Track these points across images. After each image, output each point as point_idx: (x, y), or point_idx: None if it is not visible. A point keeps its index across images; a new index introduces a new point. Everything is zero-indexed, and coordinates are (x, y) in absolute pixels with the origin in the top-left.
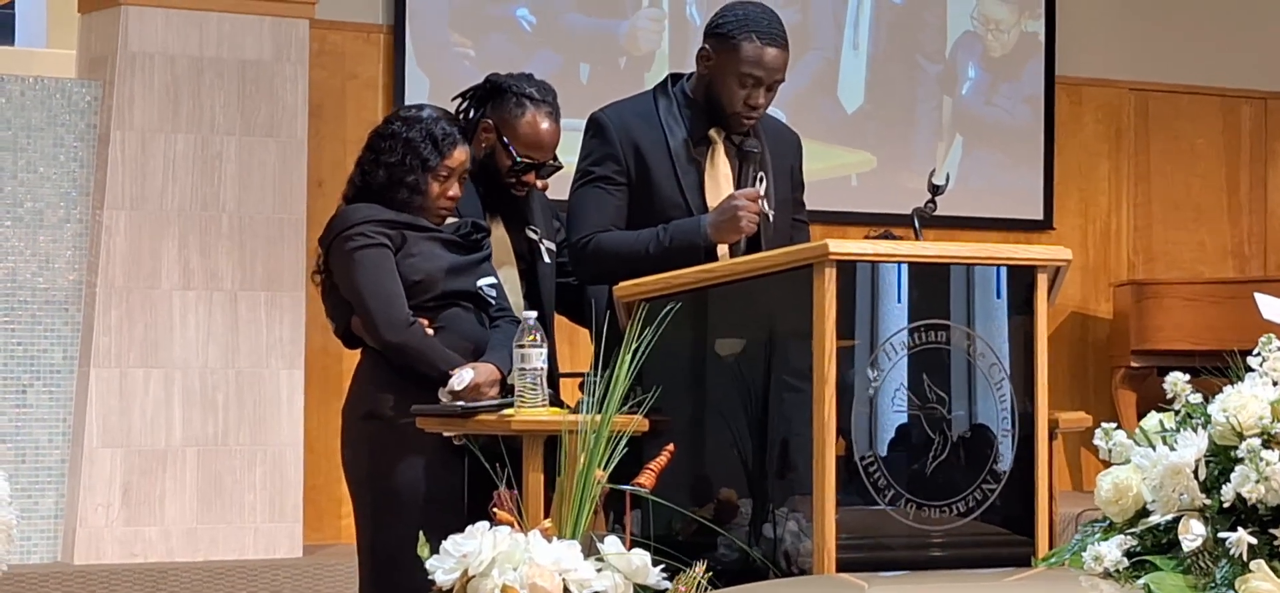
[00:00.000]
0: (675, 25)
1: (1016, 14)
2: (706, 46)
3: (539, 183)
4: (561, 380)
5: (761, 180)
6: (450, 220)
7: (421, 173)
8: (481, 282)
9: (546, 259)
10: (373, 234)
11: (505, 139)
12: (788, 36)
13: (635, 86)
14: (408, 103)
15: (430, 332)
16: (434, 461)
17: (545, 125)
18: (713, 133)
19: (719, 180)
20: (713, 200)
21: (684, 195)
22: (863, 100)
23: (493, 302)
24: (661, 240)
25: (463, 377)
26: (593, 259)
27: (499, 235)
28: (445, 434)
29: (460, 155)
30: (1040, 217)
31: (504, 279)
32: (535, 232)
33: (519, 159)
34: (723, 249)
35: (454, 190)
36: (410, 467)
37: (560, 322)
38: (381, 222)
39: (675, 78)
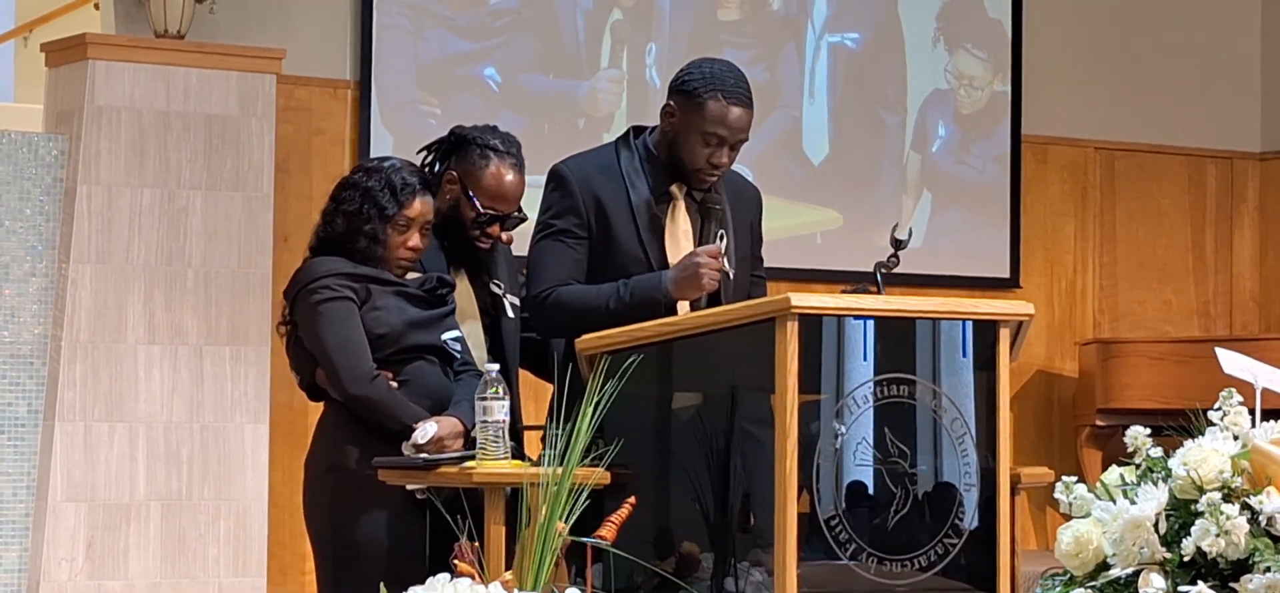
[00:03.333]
0: (634, 87)
1: (991, 73)
2: (671, 103)
3: (504, 236)
4: (524, 433)
5: (722, 237)
6: (414, 275)
7: (379, 222)
8: (446, 336)
9: (510, 313)
10: (337, 287)
11: (469, 191)
12: (753, 95)
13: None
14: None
15: (394, 385)
16: (396, 514)
17: (509, 177)
18: (674, 188)
19: (679, 236)
20: (673, 256)
21: (645, 250)
22: (827, 152)
23: (457, 356)
24: (622, 296)
25: (426, 430)
26: (552, 312)
27: (463, 289)
28: (408, 487)
29: (420, 206)
30: (1006, 275)
31: (468, 333)
32: (499, 285)
33: (483, 211)
34: (683, 306)
35: (414, 241)
36: (372, 520)
37: (525, 376)
38: (346, 275)
39: (638, 130)
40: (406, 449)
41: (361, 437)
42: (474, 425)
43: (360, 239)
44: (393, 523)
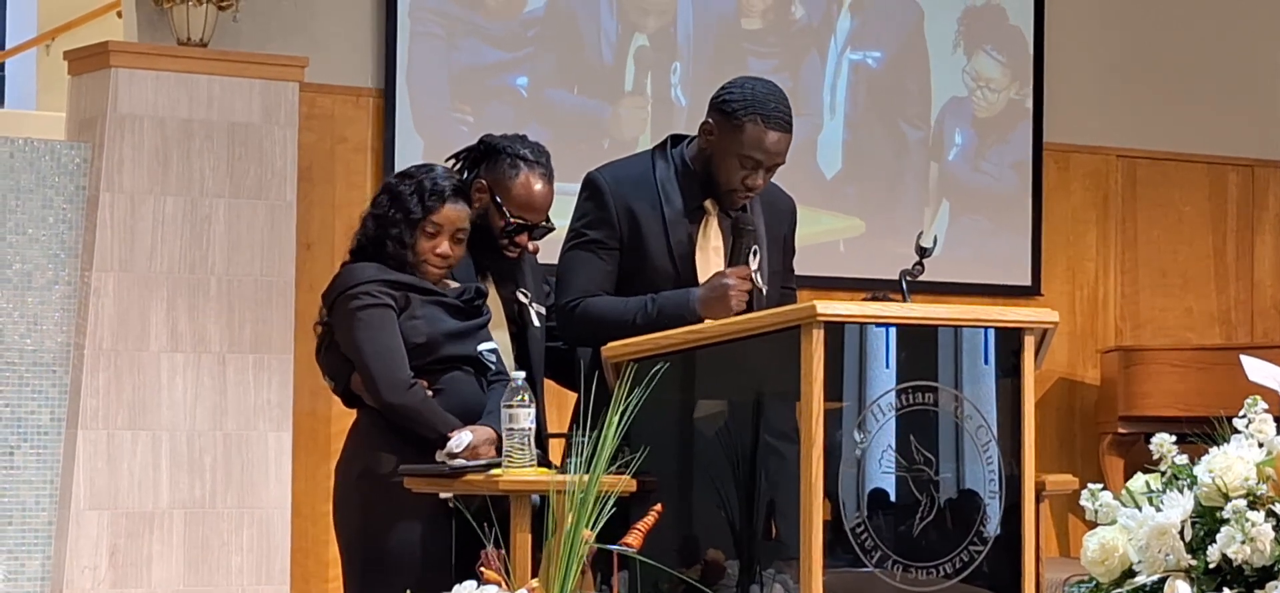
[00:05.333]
0: (658, 108)
1: (1009, 78)
2: (710, 120)
3: (531, 245)
4: (550, 441)
5: (755, 253)
6: (453, 285)
7: (405, 226)
8: (481, 347)
9: (536, 323)
10: (377, 294)
11: (498, 199)
12: (793, 118)
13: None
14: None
15: (430, 394)
16: (427, 523)
17: (538, 187)
18: (707, 204)
19: (710, 253)
20: (703, 272)
21: (675, 264)
22: (850, 160)
23: (492, 366)
24: (649, 311)
25: (461, 439)
26: (580, 322)
27: (490, 297)
28: (441, 496)
29: (450, 212)
30: (1028, 282)
31: (496, 341)
32: (525, 294)
33: (511, 220)
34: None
35: (443, 248)
36: (403, 529)
37: (548, 385)
38: (386, 282)
39: (676, 139)
40: (441, 458)
41: (396, 444)
42: None
43: (388, 243)
44: (425, 531)
